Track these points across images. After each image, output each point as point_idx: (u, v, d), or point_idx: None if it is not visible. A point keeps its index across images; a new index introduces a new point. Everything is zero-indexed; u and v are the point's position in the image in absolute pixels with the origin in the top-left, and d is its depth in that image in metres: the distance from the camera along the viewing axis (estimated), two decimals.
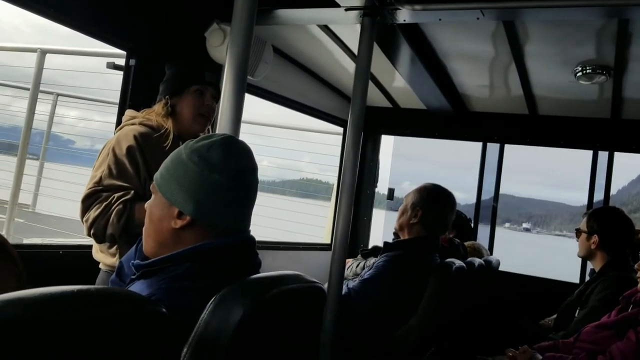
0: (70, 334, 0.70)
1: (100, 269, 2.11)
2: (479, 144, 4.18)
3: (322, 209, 5.92)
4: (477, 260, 2.90)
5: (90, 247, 2.16)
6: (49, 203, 5.42)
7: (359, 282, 2.36)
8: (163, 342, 0.91)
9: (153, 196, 1.31)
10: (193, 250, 1.22)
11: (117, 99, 2.71)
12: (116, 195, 1.95)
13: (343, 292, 2.31)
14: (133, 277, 1.26)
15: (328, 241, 4.19)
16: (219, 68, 2.97)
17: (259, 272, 1.33)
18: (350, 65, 3.51)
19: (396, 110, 4.25)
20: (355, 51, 3.29)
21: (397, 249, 2.48)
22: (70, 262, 2.37)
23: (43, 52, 3.88)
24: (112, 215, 1.92)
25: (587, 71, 2.93)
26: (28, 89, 4.12)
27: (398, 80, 3.76)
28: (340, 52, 3.36)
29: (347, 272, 2.74)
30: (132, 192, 1.96)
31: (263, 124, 5.55)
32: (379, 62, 3.01)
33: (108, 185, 1.97)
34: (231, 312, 1.04)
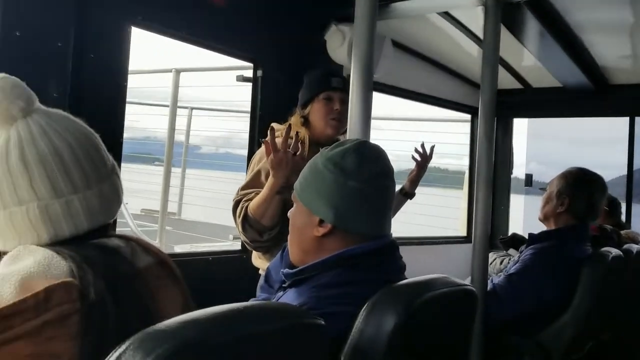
0: (240, 352, 0.73)
1: (260, 274, 2.22)
2: (624, 119, 3.81)
3: (446, 199, 5.75)
4: (635, 247, 2.63)
5: (238, 251, 2.27)
6: (192, 210, 5.83)
7: (504, 278, 2.25)
8: (323, 353, 0.92)
9: (295, 205, 1.34)
10: (338, 257, 1.23)
11: (246, 107, 2.84)
12: (242, 200, 2.05)
13: (488, 288, 2.22)
14: (284, 285, 1.29)
15: (464, 233, 4.05)
16: (341, 70, 3.02)
17: (403, 275, 1.31)
18: (473, 50, 3.36)
19: (528, 91, 4.00)
20: (479, 34, 3.17)
21: (543, 241, 2.32)
22: (220, 267, 2.51)
23: (177, 71, 4.18)
24: (237, 217, 2.04)
25: None
26: (167, 106, 4.46)
27: (527, 59, 3.53)
28: (462, 38, 3.22)
29: (490, 269, 2.62)
30: (254, 193, 2.04)
31: (382, 118, 5.52)
32: (504, 41, 2.84)
33: (241, 195, 2.09)
34: (384, 319, 1.03)
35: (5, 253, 0.90)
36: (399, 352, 1.04)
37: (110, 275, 0.85)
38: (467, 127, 4.29)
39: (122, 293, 0.85)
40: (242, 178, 2.30)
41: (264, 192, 1.98)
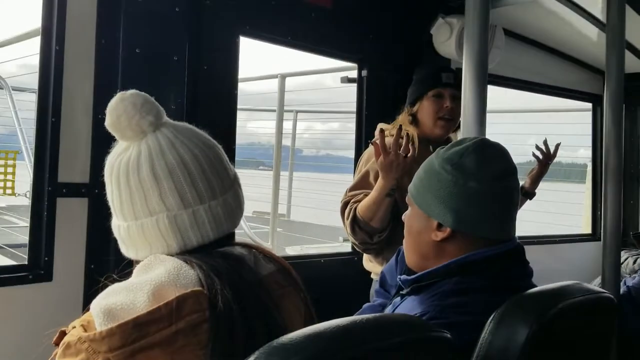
0: None
1: (372, 278, 2.20)
2: None
3: (565, 195, 5.36)
4: None
5: (349, 253, 2.26)
6: (300, 211, 5.94)
7: None
8: None
9: (410, 208, 1.29)
10: (459, 262, 1.17)
11: (351, 107, 2.82)
12: (351, 202, 2.03)
13: (621, 291, 2.03)
14: (402, 292, 1.25)
15: (588, 230, 3.76)
16: (448, 64, 2.92)
17: (531, 281, 1.22)
18: (593, 33, 3.10)
19: None
20: (598, 16, 2.92)
21: None
22: (332, 269, 2.52)
23: (283, 77, 4.27)
24: (345, 218, 2.02)
25: None
26: (274, 111, 4.56)
27: None
28: (580, 21, 2.98)
29: (622, 270, 2.40)
30: (363, 194, 2.01)
31: (491, 111, 5.28)
32: (628, 21, 2.60)
33: (350, 196, 2.07)
34: (515, 331, 0.96)
35: (138, 262, 0.94)
36: None
37: (236, 284, 0.86)
38: (584, 116, 3.98)
39: (248, 302, 0.85)
40: (345, 179, 2.30)
41: (373, 194, 1.95)
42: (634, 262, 2.49)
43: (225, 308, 0.81)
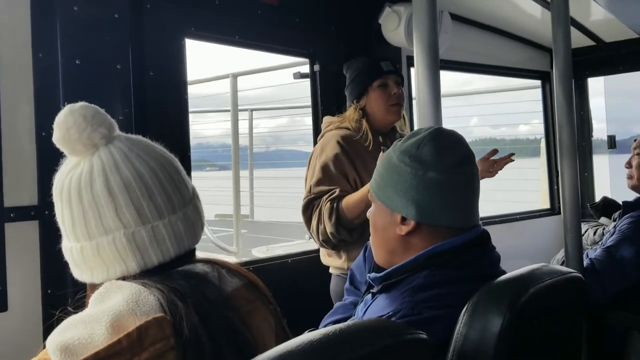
0: None
1: (331, 273, 2.18)
2: None
3: (520, 171, 5.48)
4: None
5: (316, 251, 2.24)
6: (262, 210, 5.87)
7: (602, 251, 2.09)
8: None
9: (373, 205, 1.28)
10: (426, 255, 1.16)
11: (307, 102, 2.79)
12: (323, 198, 2.02)
13: (584, 264, 2.06)
14: (373, 291, 1.23)
15: (547, 205, 3.84)
16: (398, 52, 2.92)
17: (499, 267, 1.22)
18: (537, 11, 3.15)
19: (600, 47, 3.72)
20: None
21: None
22: (300, 269, 2.49)
23: (235, 76, 4.19)
24: (324, 216, 1.99)
25: None
26: (228, 111, 4.48)
27: (596, 12, 3.27)
28: (524, 0, 3.03)
29: (584, 241, 2.45)
30: (337, 190, 2.01)
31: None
32: None
33: (317, 192, 2.05)
34: (489, 321, 0.95)
35: (93, 286, 0.89)
36: (507, 355, 0.96)
37: (201, 306, 0.81)
38: (523, 94, 4.07)
39: (215, 324, 0.81)
40: (301, 174, 2.27)
41: (362, 193, 1.94)
42: (594, 233, 2.54)
43: (191, 334, 0.77)
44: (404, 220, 1.17)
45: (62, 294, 1.77)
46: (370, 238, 1.30)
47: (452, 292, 1.09)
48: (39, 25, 1.82)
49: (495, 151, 2.26)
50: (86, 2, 1.87)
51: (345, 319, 1.44)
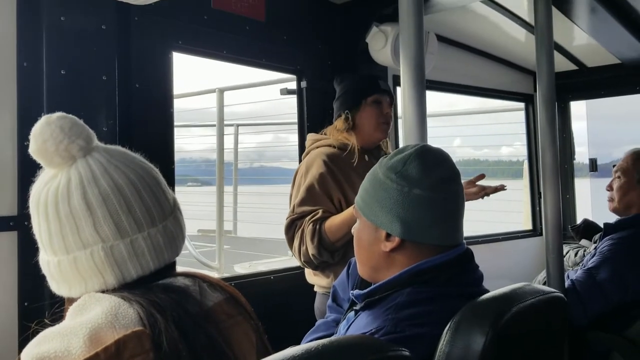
0: None
1: (315, 291, 2.16)
2: None
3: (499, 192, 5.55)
4: None
5: (298, 267, 2.22)
6: (245, 226, 5.83)
7: (583, 273, 2.10)
8: None
9: (358, 221, 1.27)
10: (410, 272, 1.16)
11: (292, 118, 2.80)
12: (306, 218, 2.00)
13: (566, 285, 2.08)
14: (356, 308, 1.22)
15: (529, 227, 3.87)
16: (385, 71, 2.94)
17: (483, 286, 1.22)
18: (521, 35, 3.21)
19: (583, 72, 3.79)
20: (526, 18, 3.02)
21: (621, 230, 2.16)
22: (283, 286, 2.47)
23: (221, 91, 4.19)
24: (306, 238, 1.98)
25: None
26: (214, 125, 4.47)
27: (580, 38, 3.34)
28: (508, 24, 3.08)
29: (565, 262, 2.47)
30: (321, 211, 1.99)
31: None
32: (556, 22, 2.70)
33: (300, 212, 2.03)
34: (471, 339, 0.95)
35: (71, 300, 0.87)
36: None
37: (181, 320, 0.80)
38: (506, 117, 4.13)
39: (195, 338, 0.80)
40: (285, 191, 2.26)
41: (344, 216, 1.93)
42: (575, 255, 2.56)
43: (171, 348, 0.75)
44: (388, 236, 1.17)
45: (39, 306, 1.73)
46: (355, 254, 1.29)
47: (435, 309, 1.08)
48: (24, 35, 1.81)
49: (482, 176, 2.28)
50: (73, 12, 1.86)
51: (327, 336, 1.42)
